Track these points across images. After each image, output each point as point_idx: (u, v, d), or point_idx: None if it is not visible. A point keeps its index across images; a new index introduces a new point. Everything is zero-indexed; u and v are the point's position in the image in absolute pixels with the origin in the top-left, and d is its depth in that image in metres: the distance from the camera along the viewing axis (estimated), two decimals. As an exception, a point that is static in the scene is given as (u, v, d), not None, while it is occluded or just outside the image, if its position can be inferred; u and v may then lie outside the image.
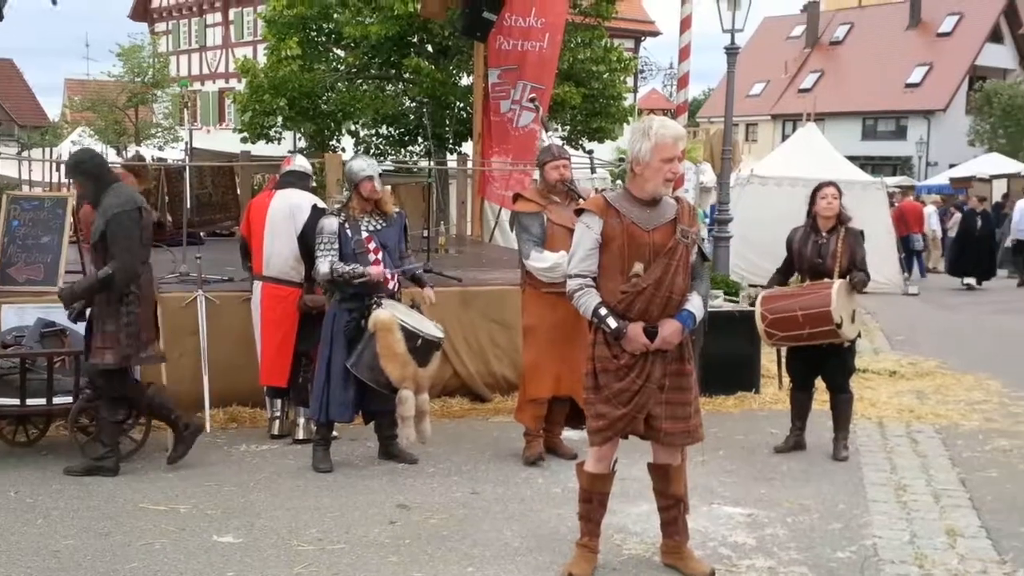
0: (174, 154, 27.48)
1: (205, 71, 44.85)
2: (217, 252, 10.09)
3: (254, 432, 7.10)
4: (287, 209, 6.77)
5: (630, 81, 27.22)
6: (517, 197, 6.59)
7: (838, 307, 6.31)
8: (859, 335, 6.77)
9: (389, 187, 14.61)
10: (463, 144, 16.32)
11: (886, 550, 4.98)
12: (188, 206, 13.80)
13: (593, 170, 15.36)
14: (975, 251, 18.29)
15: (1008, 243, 19.77)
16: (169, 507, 5.50)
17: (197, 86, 43.74)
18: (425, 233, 10.56)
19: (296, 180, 7.02)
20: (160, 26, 47.23)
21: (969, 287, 18.07)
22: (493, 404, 7.94)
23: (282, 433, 6.90)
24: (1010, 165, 28.16)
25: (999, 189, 24.85)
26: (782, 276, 6.90)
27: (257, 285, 6.87)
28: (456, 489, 5.90)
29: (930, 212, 22.39)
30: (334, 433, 6.49)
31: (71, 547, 4.90)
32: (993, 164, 28.37)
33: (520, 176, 11.86)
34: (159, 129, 36.17)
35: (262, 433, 7.05)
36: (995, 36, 46.73)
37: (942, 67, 45.59)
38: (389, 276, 6.23)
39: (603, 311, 4.38)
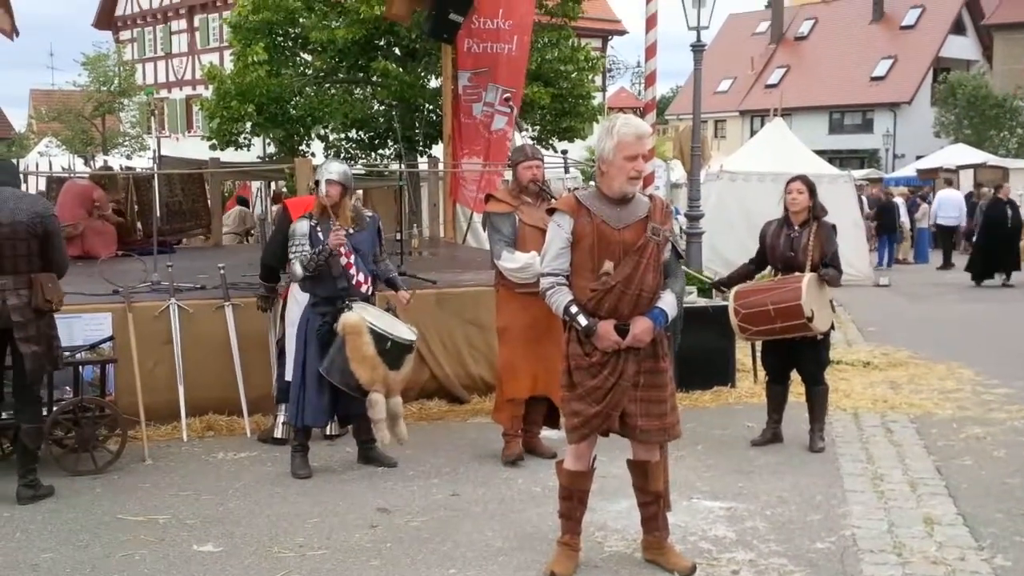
0: (142, 163, 27.31)
1: (172, 78, 44.52)
2: (188, 260, 10.04)
3: (231, 440, 7.06)
4: None
5: (598, 80, 27.31)
6: (489, 197, 6.59)
7: (808, 301, 6.36)
8: (833, 327, 6.82)
9: (361, 192, 14.64)
10: (433, 147, 16.29)
11: (865, 540, 5.02)
12: (157, 214, 13.74)
13: (567, 170, 15.42)
14: (1007, 244, 17.22)
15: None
16: (148, 517, 5.46)
17: (164, 94, 43.43)
18: (398, 236, 10.55)
19: None
20: (125, 34, 46.81)
21: (1006, 284, 16.83)
22: (471, 405, 7.93)
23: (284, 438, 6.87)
24: (976, 155, 28.49)
25: (966, 179, 25.12)
26: (750, 268, 6.95)
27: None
28: (436, 491, 5.90)
29: (898, 204, 22.58)
30: (329, 431, 6.49)
31: (50, 560, 4.86)
32: (959, 155, 28.70)
33: (491, 178, 11.86)
34: (126, 138, 35.92)
35: (239, 441, 7.02)
36: (958, 28, 47.28)
37: (906, 60, 46.07)
38: (363, 280, 6.22)
39: (574, 309, 4.40)
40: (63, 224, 10.97)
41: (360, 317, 5.99)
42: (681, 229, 13.14)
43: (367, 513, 5.51)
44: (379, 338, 6.00)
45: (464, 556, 4.85)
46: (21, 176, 7.26)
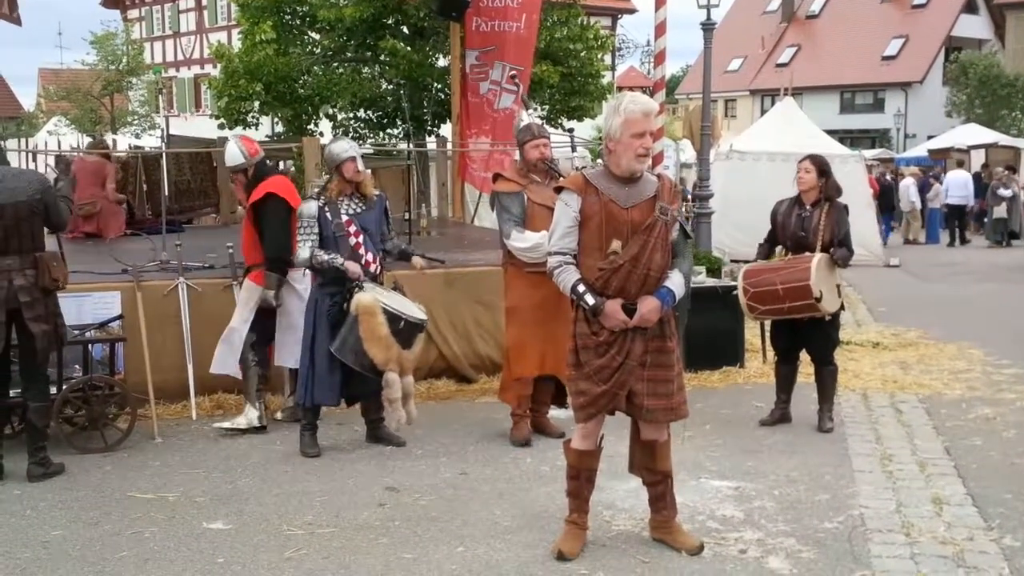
0: (151, 142, 27.32)
1: (180, 57, 44.52)
2: (197, 239, 10.05)
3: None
4: None
5: (608, 59, 27.15)
6: (497, 177, 6.58)
7: (817, 281, 6.33)
8: (842, 307, 6.80)
9: (370, 171, 14.62)
10: (442, 126, 16.25)
11: (873, 520, 5.02)
12: (166, 193, 13.76)
13: (574, 148, 15.35)
14: None
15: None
16: (158, 495, 5.49)
17: (172, 73, 43.44)
18: (407, 216, 10.53)
19: None
20: (133, 13, 46.79)
21: None
22: (479, 385, 7.94)
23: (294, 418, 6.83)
24: (987, 135, 28.33)
25: (977, 159, 25.00)
26: (767, 247, 6.91)
27: None
28: (445, 470, 5.91)
29: (909, 184, 22.53)
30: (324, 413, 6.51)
31: (60, 537, 4.89)
32: (971, 134, 28.54)
33: (500, 157, 11.84)
34: (135, 117, 35.93)
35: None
36: (970, 7, 46.89)
37: (918, 39, 45.73)
38: (371, 259, 6.22)
39: (581, 288, 4.38)
40: (81, 203, 11.07)
41: (374, 297, 6.00)
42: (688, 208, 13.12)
43: (375, 491, 5.53)
44: (392, 318, 6.00)
45: (472, 535, 4.86)
46: (29, 155, 7.24)
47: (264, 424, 6.70)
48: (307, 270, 6.44)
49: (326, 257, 6.08)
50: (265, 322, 6.72)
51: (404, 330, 6.06)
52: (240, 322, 6.71)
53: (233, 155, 6.73)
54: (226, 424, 6.68)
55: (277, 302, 6.61)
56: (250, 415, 6.69)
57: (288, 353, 6.75)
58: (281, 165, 19.24)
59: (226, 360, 6.77)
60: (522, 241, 6.19)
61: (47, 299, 5.74)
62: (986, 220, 21.70)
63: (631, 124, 4.32)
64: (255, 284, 6.66)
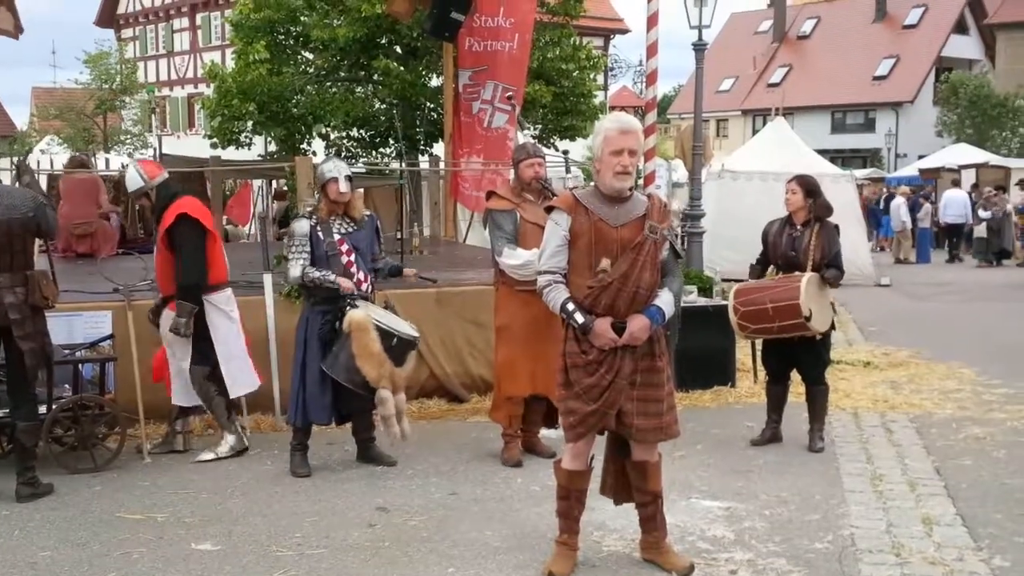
0: (144, 161, 27.24)
1: (173, 76, 44.53)
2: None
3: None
4: None
5: (600, 79, 27.25)
6: (491, 194, 6.60)
7: (807, 300, 6.35)
8: (833, 327, 6.81)
9: (361, 190, 14.63)
10: (434, 145, 16.28)
11: (863, 540, 5.02)
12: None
13: (568, 169, 15.39)
14: None
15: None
16: (146, 516, 5.47)
17: (166, 92, 43.43)
18: (399, 235, 10.54)
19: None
20: (127, 32, 46.82)
21: None
22: (471, 405, 7.93)
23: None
24: (978, 155, 28.45)
25: (967, 179, 25.13)
26: (760, 268, 6.93)
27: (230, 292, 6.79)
28: (435, 490, 5.90)
29: (899, 203, 22.65)
30: (310, 432, 6.44)
31: (48, 558, 4.86)
32: (961, 154, 28.68)
33: (492, 177, 11.85)
34: (128, 136, 35.92)
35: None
36: (960, 27, 47.21)
37: (909, 59, 46.01)
38: (363, 278, 6.23)
39: (571, 306, 4.39)
40: (76, 222, 11.04)
41: (366, 314, 6.00)
42: (682, 230, 13.14)
43: (366, 512, 5.51)
44: (385, 334, 6.01)
45: (462, 555, 4.85)
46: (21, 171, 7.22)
47: (246, 445, 6.64)
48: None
49: (318, 275, 6.08)
50: (209, 348, 6.49)
51: (397, 347, 6.06)
52: (183, 357, 6.51)
53: (132, 179, 6.54)
54: (208, 456, 6.54)
55: (186, 331, 6.33)
56: (229, 441, 6.59)
57: (238, 383, 6.60)
58: (274, 184, 19.35)
59: (186, 393, 6.60)
60: (514, 258, 6.20)
61: (36, 317, 5.73)
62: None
63: (609, 142, 4.36)
64: (171, 312, 6.45)
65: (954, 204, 22.53)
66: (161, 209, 6.46)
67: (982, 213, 21.19)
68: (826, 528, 5.19)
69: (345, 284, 6.09)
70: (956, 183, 23.96)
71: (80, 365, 6.80)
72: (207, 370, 6.51)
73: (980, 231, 21.37)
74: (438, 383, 8.03)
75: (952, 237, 22.71)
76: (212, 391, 6.54)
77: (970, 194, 23.58)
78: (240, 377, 6.62)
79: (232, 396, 6.66)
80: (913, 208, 22.81)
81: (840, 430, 7.23)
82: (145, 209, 6.73)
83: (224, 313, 6.55)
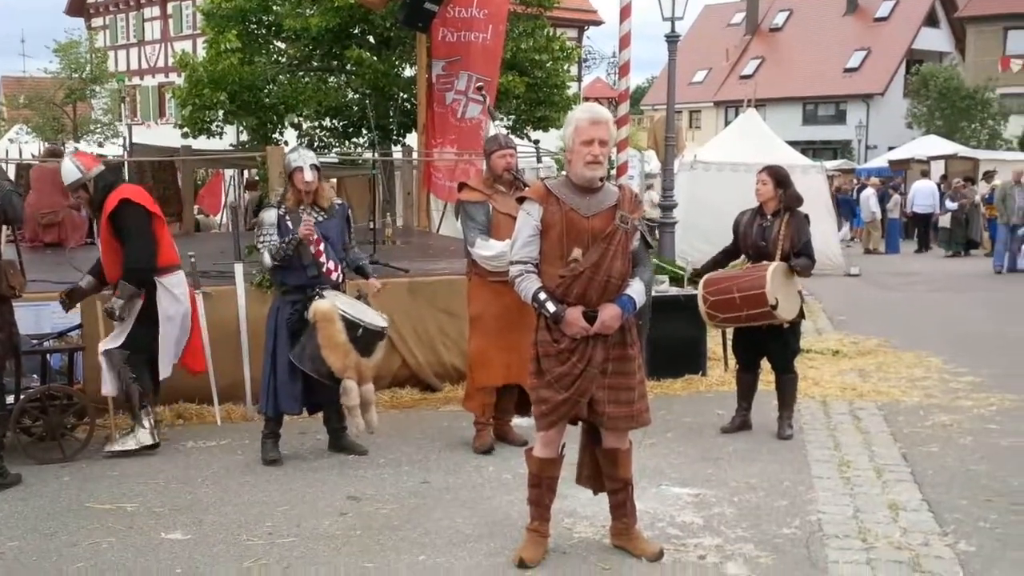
0: (114, 150, 27.09)
1: (144, 66, 44.18)
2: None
3: (201, 428, 7.06)
4: None
5: (574, 70, 27.27)
6: (463, 186, 6.60)
7: (773, 289, 6.40)
8: (803, 316, 6.87)
9: (335, 180, 14.59)
10: (407, 136, 16.25)
11: (830, 525, 5.07)
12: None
13: (539, 159, 15.40)
14: None
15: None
16: (115, 505, 5.44)
17: (136, 81, 43.07)
18: (372, 225, 10.52)
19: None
20: (97, 21, 46.38)
21: None
22: (443, 394, 7.95)
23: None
24: (947, 146, 28.71)
25: (937, 170, 25.37)
26: (723, 256, 6.98)
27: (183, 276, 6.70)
28: (407, 479, 5.91)
29: (869, 194, 22.86)
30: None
31: (16, 548, 4.83)
32: (931, 146, 28.93)
33: (465, 167, 11.85)
34: (98, 125, 35.61)
35: (209, 429, 7.02)
36: (931, 20, 47.58)
37: (880, 51, 46.33)
38: (333, 267, 6.21)
39: (542, 296, 4.41)
40: (43, 212, 10.95)
41: (332, 304, 5.99)
42: (652, 220, 13.18)
43: (337, 500, 5.51)
44: (351, 325, 6.00)
45: (434, 543, 4.86)
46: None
47: (157, 442, 6.42)
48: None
49: (283, 242, 6.04)
50: (147, 336, 6.42)
51: (363, 337, 6.05)
52: (110, 339, 6.41)
53: (69, 172, 6.41)
54: (116, 447, 6.34)
55: (120, 314, 6.25)
56: (139, 435, 6.38)
57: (167, 364, 6.51)
58: (246, 174, 19.26)
59: (109, 382, 6.47)
60: (487, 249, 6.21)
61: (3, 307, 5.68)
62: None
63: (580, 132, 4.37)
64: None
65: (923, 194, 22.81)
66: (100, 199, 6.34)
67: (949, 204, 21.44)
68: (794, 514, 5.25)
69: (303, 230, 6.00)
70: (925, 174, 24.20)
71: (48, 355, 6.75)
72: (127, 354, 6.36)
73: (945, 221, 21.63)
74: (410, 372, 8.04)
75: (921, 227, 23.01)
76: (129, 378, 6.38)
77: (939, 185, 23.81)
78: (167, 360, 6.50)
79: (161, 376, 6.54)
80: (883, 199, 23.04)
81: (808, 418, 7.30)
82: (83, 201, 6.59)
83: (174, 296, 6.44)
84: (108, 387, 6.48)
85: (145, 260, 6.28)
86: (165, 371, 6.54)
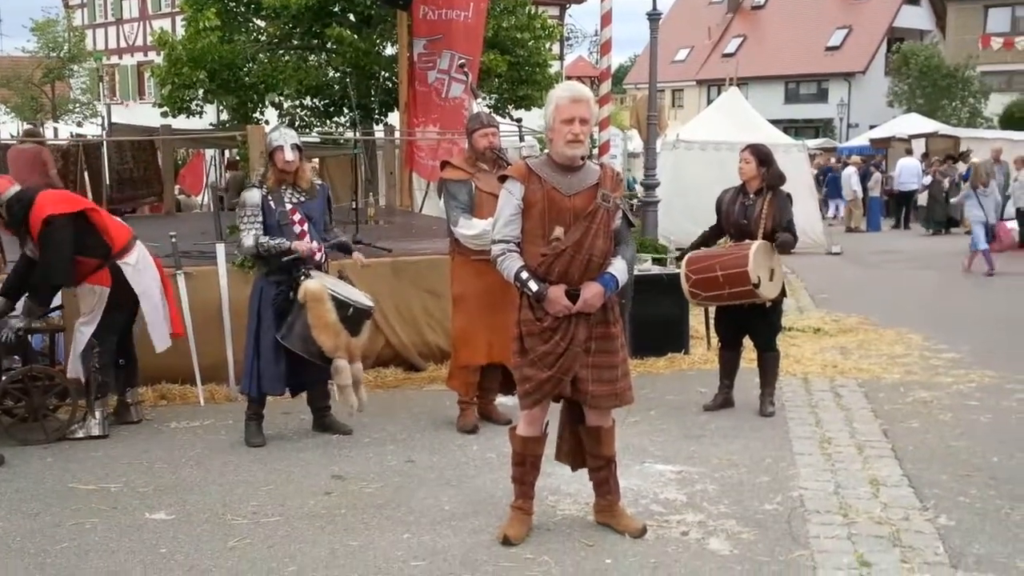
0: (93, 130, 26.90)
1: (123, 44, 43.73)
2: (139, 228, 9.90)
3: (184, 409, 7.04)
4: None
5: (556, 48, 27.21)
6: (445, 164, 6.58)
7: (755, 267, 6.43)
8: (784, 294, 6.90)
9: (317, 160, 14.52)
10: (389, 115, 16.18)
11: (812, 501, 5.12)
12: (107, 182, 13.56)
13: (521, 138, 15.37)
14: None
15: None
16: (99, 486, 5.43)
17: (115, 60, 42.67)
18: (354, 205, 10.48)
19: None
20: (74, -1, 45.89)
21: None
22: (427, 373, 7.95)
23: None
24: (928, 125, 28.79)
25: (918, 148, 25.46)
26: (709, 236, 7.00)
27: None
28: (391, 458, 5.92)
29: (851, 173, 22.93)
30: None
31: (0, 529, 4.83)
32: (912, 124, 28.99)
33: (448, 146, 11.82)
34: (77, 104, 35.33)
35: (192, 410, 7.01)
36: (912, -2, 47.63)
37: (861, 30, 46.36)
38: (316, 248, 6.20)
39: (524, 275, 4.41)
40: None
41: (321, 284, 5.98)
42: (637, 199, 13.20)
43: (321, 480, 5.52)
44: (341, 304, 6.00)
45: (418, 521, 4.88)
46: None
47: (106, 433, 6.36)
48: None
49: (273, 242, 6.03)
50: (119, 319, 6.42)
51: (352, 317, 6.05)
52: (83, 324, 6.34)
53: None
54: (66, 433, 6.28)
55: (17, 328, 6.26)
56: (89, 424, 6.34)
57: (158, 335, 6.52)
58: (226, 153, 19.15)
59: (74, 361, 6.42)
60: (469, 228, 6.20)
61: None
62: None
63: (561, 110, 4.37)
64: (92, 285, 6.27)
65: (907, 172, 22.98)
66: (19, 221, 6.12)
67: (924, 181, 21.61)
68: (776, 490, 5.29)
69: (302, 247, 6.04)
70: (910, 152, 24.36)
71: (30, 336, 6.71)
72: (94, 341, 6.31)
73: (922, 200, 21.77)
74: (394, 352, 8.03)
75: (904, 204, 23.25)
76: (93, 367, 6.34)
77: (921, 163, 23.92)
78: (161, 329, 6.52)
79: (157, 350, 6.55)
80: (864, 177, 23.11)
81: (790, 395, 7.35)
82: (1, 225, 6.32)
83: (139, 271, 6.40)
84: (72, 369, 6.42)
85: (58, 277, 6.16)
86: (163, 343, 6.56)
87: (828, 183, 24.86)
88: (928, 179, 21.47)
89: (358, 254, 6.57)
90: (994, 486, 5.32)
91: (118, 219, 6.52)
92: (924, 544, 4.56)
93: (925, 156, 24.72)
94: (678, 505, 5.09)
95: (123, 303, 6.37)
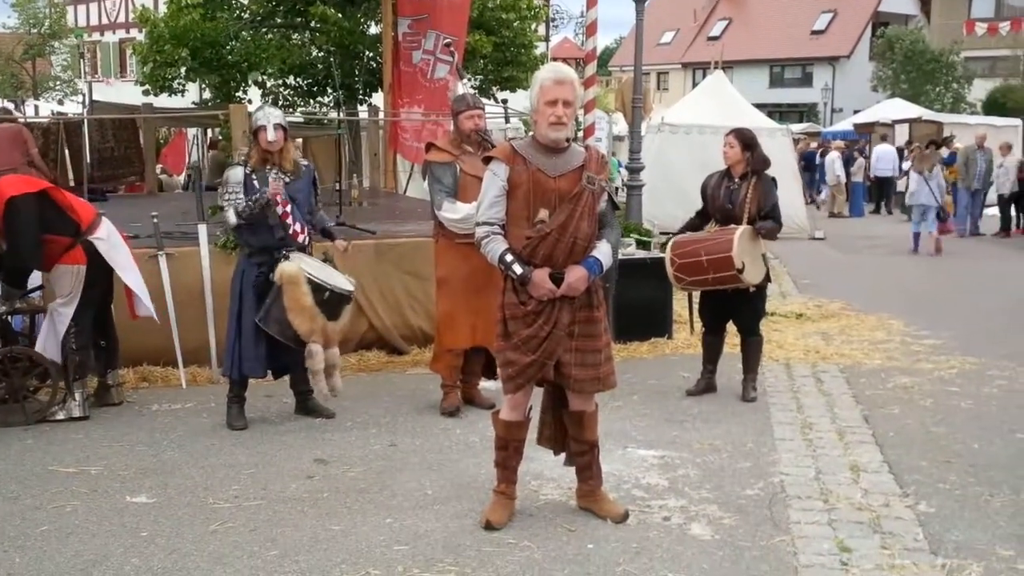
0: (74, 108, 26.67)
1: (104, 21, 43.29)
2: (121, 208, 9.86)
3: (166, 391, 7.01)
4: None
5: (541, 30, 27.10)
6: (430, 147, 6.55)
7: (740, 252, 6.43)
8: (769, 279, 6.92)
9: (300, 140, 14.43)
10: (373, 95, 16.10)
11: (793, 486, 5.14)
12: (88, 161, 13.44)
13: (507, 120, 15.31)
14: None
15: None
16: (80, 469, 5.40)
17: (96, 37, 42.25)
18: (338, 186, 10.43)
19: None
20: (55, -26, 45.37)
21: None
22: (410, 357, 7.94)
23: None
24: (911, 110, 28.87)
25: (901, 134, 25.53)
26: (697, 221, 6.98)
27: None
28: (374, 442, 5.91)
29: (834, 158, 22.98)
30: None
31: (-22, 513, 4.80)
32: (896, 109, 29.07)
33: (433, 127, 11.77)
34: (58, 82, 35.03)
35: (174, 392, 6.97)
36: (897, -18, 47.66)
37: (846, 14, 46.42)
38: (299, 230, 6.15)
39: (509, 257, 4.40)
40: (0, 170, 10.73)
41: (298, 267, 5.94)
42: (623, 182, 13.16)
43: (304, 464, 5.50)
44: (317, 288, 5.96)
45: (401, 505, 4.87)
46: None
47: (87, 415, 6.33)
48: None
49: (249, 203, 5.96)
50: (96, 294, 6.36)
51: (329, 301, 6.02)
52: (62, 305, 6.28)
53: None
54: (46, 415, 6.25)
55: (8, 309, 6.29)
56: (70, 406, 6.30)
57: (147, 305, 6.58)
58: (209, 132, 19.02)
59: (48, 342, 6.36)
60: (453, 212, 6.17)
61: None
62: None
63: (545, 92, 4.34)
64: (68, 265, 6.22)
65: (884, 158, 23.16)
66: None
67: (904, 166, 21.64)
68: (757, 475, 5.31)
69: (271, 189, 5.93)
70: (885, 138, 24.47)
71: (10, 317, 6.65)
72: (72, 325, 6.26)
73: (901, 186, 21.82)
74: (377, 335, 8.01)
75: (882, 190, 23.44)
76: (71, 349, 6.29)
77: (902, 150, 23.97)
78: (148, 300, 6.56)
79: (143, 313, 6.60)
80: (847, 162, 23.17)
81: (772, 380, 7.37)
82: None
83: (111, 244, 6.36)
84: (43, 346, 6.34)
85: (29, 257, 6.13)
86: (147, 311, 6.58)
87: (817, 167, 25.07)
88: (907, 164, 21.50)
89: (340, 240, 6.53)
90: (973, 472, 5.35)
91: (78, 198, 6.47)
92: (904, 530, 4.59)
93: (909, 142, 24.78)
94: (660, 490, 5.10)
95: (97, 280, 6.33)
